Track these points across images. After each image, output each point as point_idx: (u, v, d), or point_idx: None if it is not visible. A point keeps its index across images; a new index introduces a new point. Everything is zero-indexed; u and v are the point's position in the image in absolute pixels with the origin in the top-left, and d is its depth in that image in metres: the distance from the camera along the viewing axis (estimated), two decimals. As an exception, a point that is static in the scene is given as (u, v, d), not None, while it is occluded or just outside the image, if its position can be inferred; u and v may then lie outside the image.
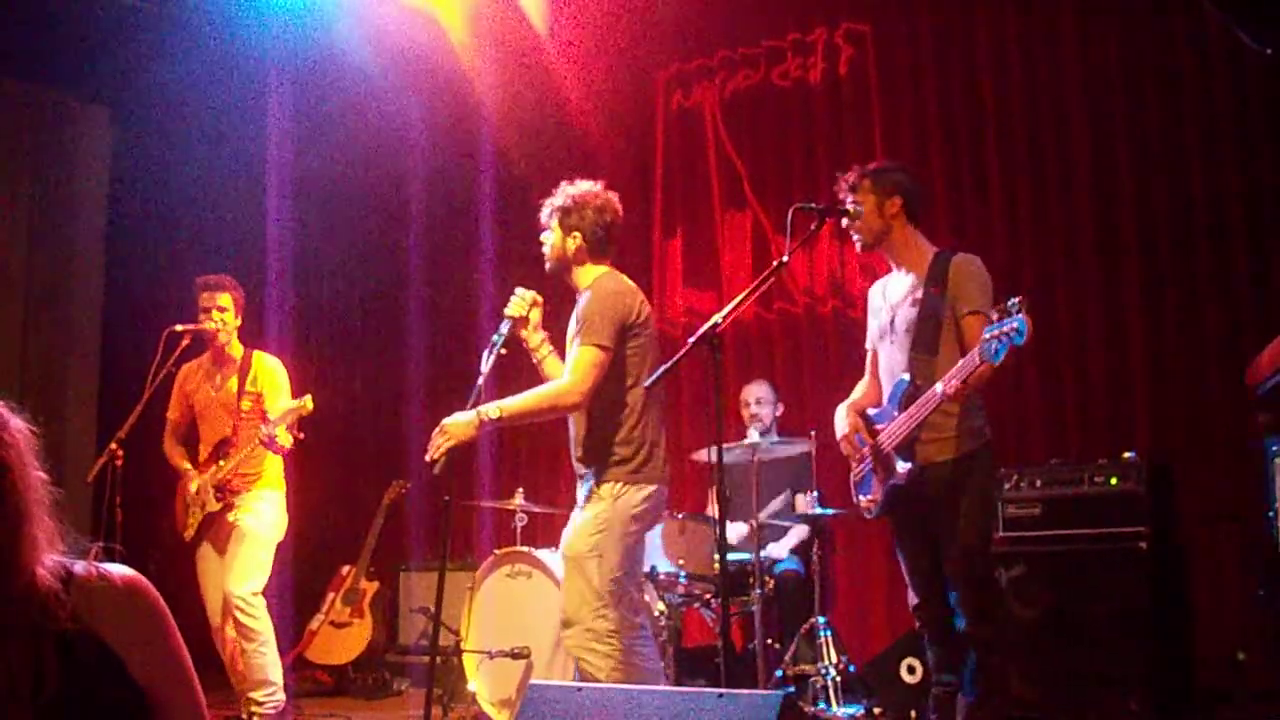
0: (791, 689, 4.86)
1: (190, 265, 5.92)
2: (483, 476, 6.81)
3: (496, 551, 5.07)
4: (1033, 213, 5.57)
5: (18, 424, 1.43)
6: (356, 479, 7.47)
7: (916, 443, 3.58)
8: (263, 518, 4.83)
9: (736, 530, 5.30)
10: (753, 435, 5.46)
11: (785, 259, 3.47)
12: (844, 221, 3.80)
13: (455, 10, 6.81)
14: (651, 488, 3.67)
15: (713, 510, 5.20)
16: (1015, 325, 3.13)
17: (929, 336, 3.62)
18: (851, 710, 4.85)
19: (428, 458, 3.61)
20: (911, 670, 4.62)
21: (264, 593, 4.76)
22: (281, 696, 4.77)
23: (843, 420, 3.82)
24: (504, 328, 3.82)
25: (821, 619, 4.98)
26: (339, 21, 6.85)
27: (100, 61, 7.39)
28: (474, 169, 7.27)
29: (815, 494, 5.15)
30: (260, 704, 4.69)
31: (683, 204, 6.77)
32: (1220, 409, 4.92)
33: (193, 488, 4.85)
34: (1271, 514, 3.71)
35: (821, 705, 4.84)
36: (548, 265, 3.92)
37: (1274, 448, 3.74)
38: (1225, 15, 4.68)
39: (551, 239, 3.87)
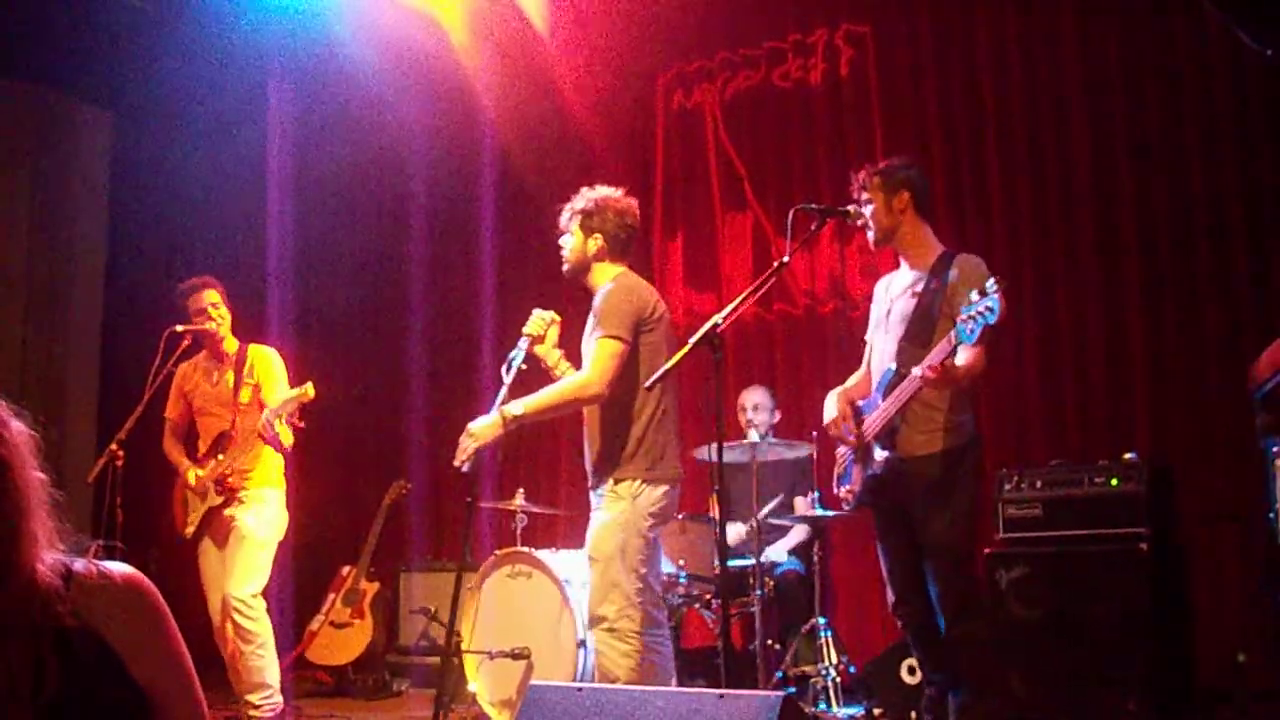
0: (792, 690, 4.86)
1: (190, 265, 5.91)
2: (483, 477, 6.81)
3: (497, 552, 5.07)
4: (1033, 212, 5.56)
5: (17, 424, 1.43)
6: (357, 479, 7.47)
7: (898, 434, 3.60)
8: (262, 516, 4.82)
9: (736, 531, 5.29)
10: (751, 439, 5.46)
11: (786, 259, 3.48)
12: (858, 221, 3.82)
13: (455, 11, 6.81)
14: (666, 486, 3.71)
15: (713, 511, 5.20)
16: (989, 304, 3.19)
17: (921, 329, 3.64)
18: (852, 711, 4.85)
19: (456, 461, 3.66)
20: (912, 671, 4.62)
21: (264, 593, 4.75)
22: (279, 700, 4.76)
23: (832, 406, 3.86)
24: (522, 344, 3.90)
25: (822, 619, 4.98)
26: (339, 22, 6.85)
27: (100, 61, 7.38)
28: (475, 168, 7.27)
29: (816, 495, 5.15)
30: (257, 707, 4.67)
31: (683, 205, 6.77)
32: (1220, 409, 4.92)
33: (191, 478, 4.84)
34: (1272, 515, 3.71)
35: (822, 706, 4.85)
36: (565, 268, 3.96)
37: (1274, 448, 3.74)
38: (1225, 15, 4.68)
39: (572, 241, 3.91)
